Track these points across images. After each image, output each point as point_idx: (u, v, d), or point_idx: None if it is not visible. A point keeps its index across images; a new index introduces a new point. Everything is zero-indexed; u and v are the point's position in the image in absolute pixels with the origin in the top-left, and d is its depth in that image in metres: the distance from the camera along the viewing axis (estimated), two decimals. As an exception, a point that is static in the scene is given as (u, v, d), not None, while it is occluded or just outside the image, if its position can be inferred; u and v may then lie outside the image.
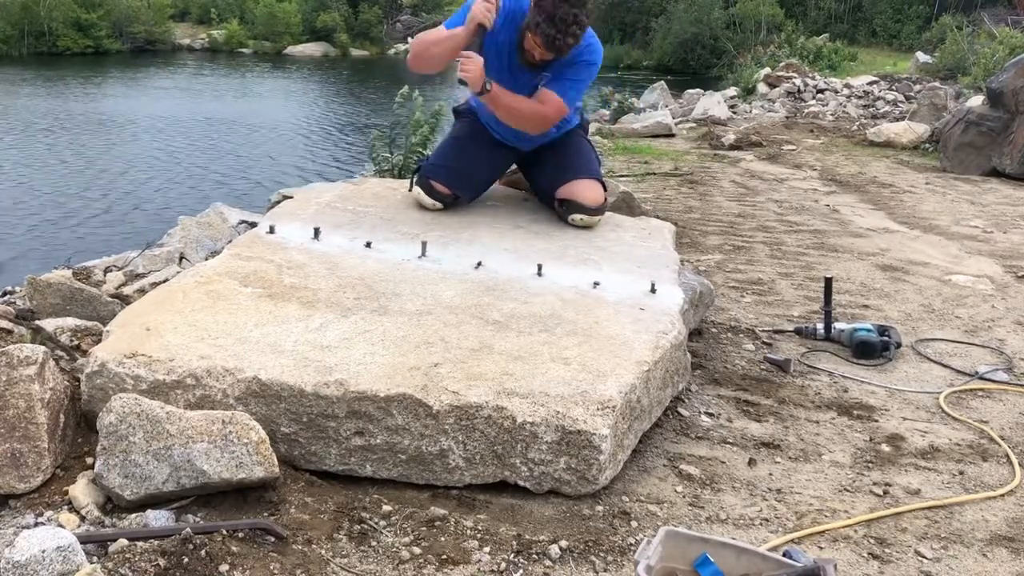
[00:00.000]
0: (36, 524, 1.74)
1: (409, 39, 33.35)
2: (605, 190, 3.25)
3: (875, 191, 6.54)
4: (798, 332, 3.26)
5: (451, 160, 3.22)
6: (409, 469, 2.03)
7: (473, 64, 2.87)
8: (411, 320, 2.33)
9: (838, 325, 3.20)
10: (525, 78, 3.03)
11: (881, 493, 2.18)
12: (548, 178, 3.27)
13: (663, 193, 6.18)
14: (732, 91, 14.91)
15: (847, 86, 13.69)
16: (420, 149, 5.22)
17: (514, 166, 3.57)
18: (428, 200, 3.18)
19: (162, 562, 1.58)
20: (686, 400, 2.61)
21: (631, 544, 1.88)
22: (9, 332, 2.47)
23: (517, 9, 2.95)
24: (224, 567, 1.63)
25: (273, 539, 1.75)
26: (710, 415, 2.56)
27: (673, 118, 10.36)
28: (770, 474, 2.25)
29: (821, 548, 1.94)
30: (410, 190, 3.29)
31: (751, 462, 2.29)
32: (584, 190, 3.15)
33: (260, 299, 2.39)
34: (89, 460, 1.96)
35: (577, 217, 3.15)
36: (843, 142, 9.26)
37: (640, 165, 7.50)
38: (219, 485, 1.81)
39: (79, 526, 1.75)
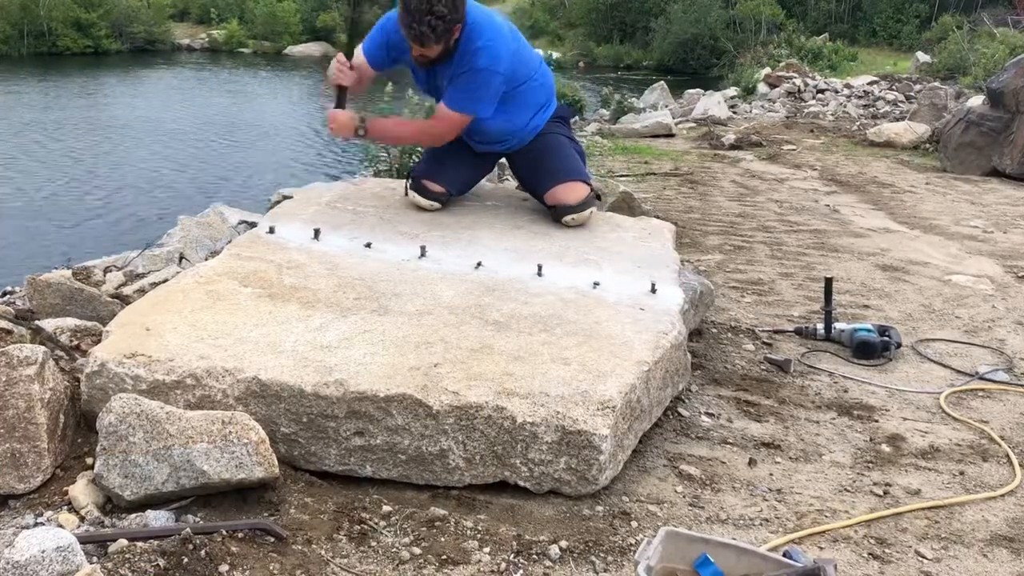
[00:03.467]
0: (36, 524, 1.74)
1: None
2: (588, 184, 3.26)
3: (875, 191, 6.54)
4: (798, 332, 3.26)
5: (437, 160, 3.27)
6: (409, 469, 2.03)
7: (337, 124, 3.07)
8: (411, 320, 2.33)
9: (838, 325, 3.20)
10: (443, 82, 3.05)
11: (881, 493, 2.18)
12: (532, 182, 3.33)
13: (663, 193, 6.18)
14: (732, 91, 14.91)
15: (847, 86, 13.70)
16: (415, 147, 5.20)
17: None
18: (424, 201, 3.20)
19: (162, 562, 1.58)
20: (686, 400, 2.61)
21: (631, 544, 1.88)
22: (9, 332, 2.46)
23: None
24: (224, 567, 1.63)
25: (273, 539, 1.75)
26: (710, 415, 2.56)
27: (673, 118, 10.37)
28: (770, 474, 2.25)
29: (821, 548, 1.94)
30: (406, 195, 3.30)
31: (751, 462, 2.29)
32: (566, 192, 3.17)
33: (260, 299, 2.39)
34: (89, 460, 1.96)
35: (568, 218, 3.17)
36: (843, 142, 9.26)
37: (640, 165, 7.50)
38: (219, 485, 1.81)
39: (79, 526, 1.75)
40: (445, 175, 3.24)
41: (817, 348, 3.15)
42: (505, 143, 3.26)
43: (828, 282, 3.25)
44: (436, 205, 3.20)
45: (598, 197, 3.49)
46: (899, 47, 24.17)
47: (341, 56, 3.09)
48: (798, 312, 3.56)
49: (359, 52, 3.13)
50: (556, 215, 3.20)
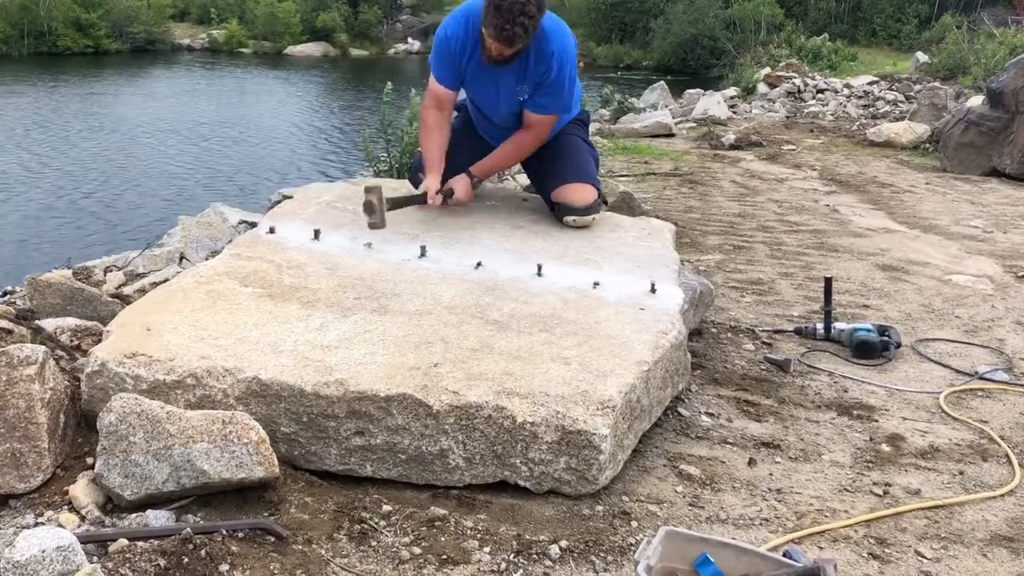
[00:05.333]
0: (36, 524, 1.74)
1: (410, 39, 33.40)
2: (598, 189, 3.26)
3: (875, 191, 6.54)
4: (798, 332, 3.26)
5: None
6: (409, 469, 2.03)
7: (459, 202, 3.17)
8: (411, 320, 2.33)
9: (838, 325, 3.20)
10: (502, 77, 3.04)
11: (881, 493, 2.18)
12: (542, 180, 3.33)
13: (663, 193, 6.18)
14: (732, 91, 14.90)
15: (847, 86, 13.69)
16: (415, 147, 5.19)
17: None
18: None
19: (162, 562, 1.58)
20: (686, 400, 2.61)
21: (631, 544, 1.88)
22: (9, 332, 2.47)
23: (471, 11, 2.98)
24: (224, 567, 1.63)
25: (273, 539, 1.75)
26: (710, 415, 2.56)
27: (673, 118, 10.37)
28: (770, 474, 2.25)
29: (821, 548, 1.94)
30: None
31: (751, 462, 2.29)
32: (573, 192, 3.17)
33: (260, 299, 2.39)
34: (89, 460, 1.96)
35: (570, 219, 3.17)
36: (843, 142, 9.26)
37: (640, 165, 7.50)
38: (219, 485, 1.81)
39: (79, 526, 1.75)
40: (452, 171, 3.20)
41: (817, 348, 3.16)
42: None
43: (828, 282, 3.25)
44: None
45: (604, 202, 3.49)
46: (899, 47, 24.18)
47: (435, 196, 3.07)
48: (798, 312, 3.56)
49: (436, 85, 3.12)
50: (559, 213, 3.20)
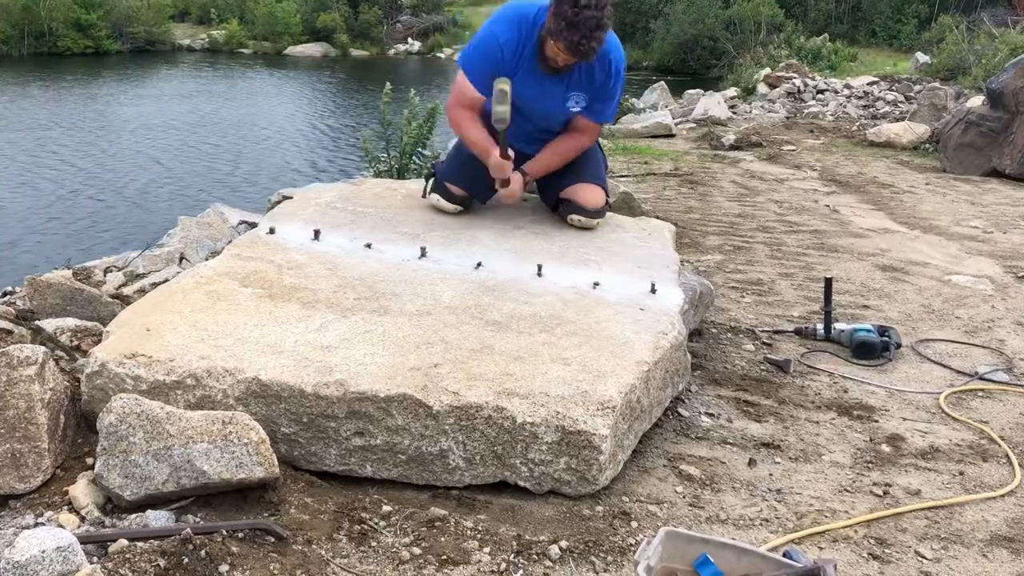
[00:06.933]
0: (36, 524, 1.74)
1: (409, 39, 33.40)
2: (608, 196, 3.26)
3: (875, 191, 6.54)
4: (798, 332, 3.26)
5: (464, 162, 3.22)
6: (409, 469, 2.03)
7: (511, 195, 3.13)
8: (411, 320, 2.33)
9: (838, 325, 3.20)
10: (552, 85, 3.01)
11: (881, 493, 2.18)
12: (553, 180, 3.29)
13: (663, 193, 6.18)
14: (732, 91, 14.89)
15: (847, 86, 13.68)
16: (415, 148, 5.19)
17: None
18: (448, 205, 3.18)
19: (162, 562, 1.58)
20: (686, 400, 2.61)
21: (631, 544, 1.88)
22: (9, 332, 2.47)
23: (523, 17, 2.93)
24: (224, 567, 1.63)
25: (273, 539, 1.75)
26: (710, 415, 2.56)
27: (673, 118, 10.36)
28: (770, 474, 2.25)
29: (821, 548, 1.94)
30: (424, 196, 3.28)
31: (751, 462, 2.29)
32: (584, 193, 3.16)
33: (260, 299, 2.39)
34: (89, 460, 1.96)
35: (575, 218, 3.16)
36: (843, 142, 9.26)
37: (640, 165, 7.50)
38: (219, 485, 1.81)
39: (79, 526, 1.75)
40: (472, 181, 3.20)
41: (817, 348, 3.16)
42: (542, 142, 3.24)
43: (828, 282, 3.25)
44: (459, 208, 3.19)
45: (609, 207, 3.48)
46: (899, 47, 24.17)
47: (502, 163, 2.98)
48: (798, 312, 3.56)
49: (470, 90, 3.04)
50: (565, 210, 3.19)
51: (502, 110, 2.84)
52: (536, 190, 3.54)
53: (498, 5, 3.18)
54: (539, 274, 2.71)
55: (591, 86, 3.02)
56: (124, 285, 3.32)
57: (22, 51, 26.10)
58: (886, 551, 1.94)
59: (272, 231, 2.88)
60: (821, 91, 13.47)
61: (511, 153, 2.99)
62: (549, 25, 2.79)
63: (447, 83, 16.85)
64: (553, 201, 3.31)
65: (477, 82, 3.02)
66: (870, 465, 2.33)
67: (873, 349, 3.05)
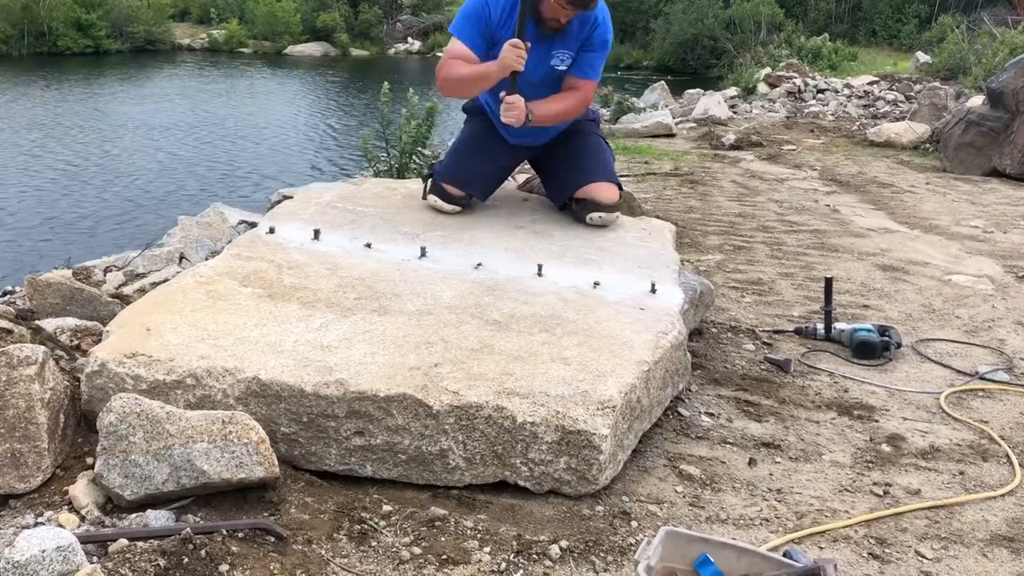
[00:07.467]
0: (36, 524, 1.74)
1: (409, 39, 33.41)
2: (620, 189, 3.27)
3: (875, 191, 6.54)
4: (798, 332, 3.26)
5: (463, 162, 3.22)
6: (409, 469, 2.03)
7: (517, 110, 2.96)
8: (411, 320, 2.33)
9: (838, 325, 3.20)
10: (541, 50, 3.03)
11: (881, 493, 2.18)
12: (564, 178, 3.29)
13: (663, 193, 6.18)
14: (732, 91, 14.88)
15: (847, 86, 13.69)
16: (414, 147, 5.19)
17: (530, 169, 3.57)
18: (446, 206, 3.18)
19: (162, 562, 1.58)
20: (686, 400, 2.61)
21: (631, 544, 1.88)
22: (9, 332, 2.46)
23: None
24: (224, 567, 1.63)
25: (273, 539, 1.75)
26: (710, 415, 2.56)
27: (673, 118, 10.36)
28: (770, 474, 2.25)
29: (821, 548, 1.94)
30: (424, 198, 3.28)
31: (751, 462, 2.29)
32: (599, 191, 3.17)
33: (260, 299, 2.39)
34: (89, 460, 1.96)
35: (596, 216, 3.16)
36: (843, 142, 9.26)
37: (640, 165, 7.50)
38: (219, 485, 1.81)
39: (79, 526, 1.75)
40: (470, 180, 3.20)
41: (817, 348, 3.15)
42: (543, 135, 3.25)
43: (828, 282, 3.25)
44: (457, 209, 3.19)
45: (623, 200, 3.49)
46: (899, 47, 24.18)
47: (517, 41, 2.87)
48: (798, 312, 3.56)
49: (461, 47, 3.02)
50: (583, 210, 3.18)
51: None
52: (542, 190, 3.54)
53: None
54: (539, 274, 2.71)
55: (576, 41, 3.03)
56: (124, 285, 3.32)
57: (22, 50, 26.10)
58: (886, 551, 1.94)
59: (272, 231, 2.88)
60: (821, 91, 13.48)
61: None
62: None
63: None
64: (562, 201, 3.31)
65: (471, 43, 3.04)
66: (870, 465, 2.33)
67: (873, 349, 3.05)
